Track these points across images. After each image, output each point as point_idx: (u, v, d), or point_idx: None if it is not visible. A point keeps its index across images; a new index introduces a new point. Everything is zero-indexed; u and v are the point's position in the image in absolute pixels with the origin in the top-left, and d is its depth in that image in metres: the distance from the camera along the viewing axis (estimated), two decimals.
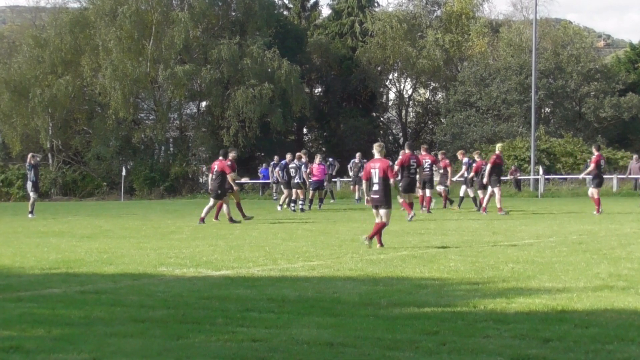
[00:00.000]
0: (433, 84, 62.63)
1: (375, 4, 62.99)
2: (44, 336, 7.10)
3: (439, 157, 28.41)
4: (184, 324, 7.51)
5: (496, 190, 24.30)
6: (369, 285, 9.74)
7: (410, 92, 63.96)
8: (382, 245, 14.26)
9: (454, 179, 29.22)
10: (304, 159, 28.44)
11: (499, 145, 26.61)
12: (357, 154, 35.26)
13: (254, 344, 6.67)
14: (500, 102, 53.08)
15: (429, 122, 63.71)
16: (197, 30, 53.49)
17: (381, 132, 63.83)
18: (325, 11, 71.37)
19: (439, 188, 28.39)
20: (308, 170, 28.58)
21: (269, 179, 41.69)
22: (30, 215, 26.84)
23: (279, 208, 29.35)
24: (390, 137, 64.41)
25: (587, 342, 6.62)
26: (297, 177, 28.06)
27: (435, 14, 61.39)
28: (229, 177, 21.79)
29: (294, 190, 28.44)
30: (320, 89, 63.39)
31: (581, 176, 29.81)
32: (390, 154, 49.11)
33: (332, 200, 35.50)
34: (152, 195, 49.10)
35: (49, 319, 7.84)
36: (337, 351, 6.43)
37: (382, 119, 64.69)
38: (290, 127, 58.63)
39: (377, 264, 11.87)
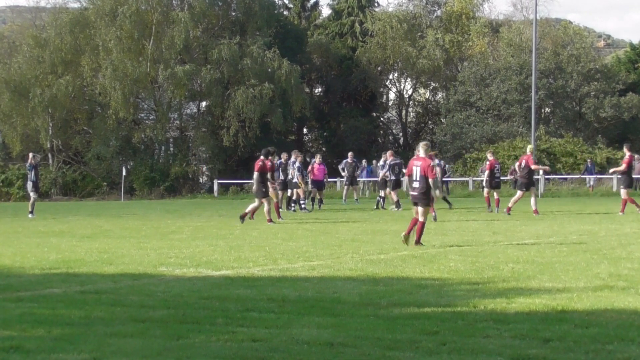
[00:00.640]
0: (433, 84, 62.61)
1: (375, 4, 63.01)
2: (44, 336, 7.09)
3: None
4: (184, 324, 7.50)
5: (520, 193, 24.50)
6: (369, 285, 9.74)
7: (410, 92, 63.97)
8: (419, 243, 14.40)
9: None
10: (293, 157, 28.31)
11: (529, 147, 26.63)
12: (349, 154, 35.19)
13: (254, 344, 6.67)
14: (501, 102, 53.08)
15: (429, 122, 63.71)
16: (197, 30, 53.49)
17: (381, 132, 63.84)
18: (326, 11, 71.35)
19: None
20: (305, 170, 28.47)
21: None
22: (30, 215, 26.85)
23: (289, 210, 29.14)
24: (391, 137, 64.41)
25: (587, 342, 6.61)
26: (294, 177, 27.99)
27: (435, 14, 61.40)
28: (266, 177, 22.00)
29: (294, 190, 28.43)
30: (320, 89, 63.37)
31: (611, 170, 29.73)
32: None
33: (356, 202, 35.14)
34: (152, 195, 49.10)
35: (49, 319, 7.83)
36: (337, 351, 6.42)
37: (382, 119, 64.67)
38: (291, 127, 58.62)
39: (377, 264, 11.88)
